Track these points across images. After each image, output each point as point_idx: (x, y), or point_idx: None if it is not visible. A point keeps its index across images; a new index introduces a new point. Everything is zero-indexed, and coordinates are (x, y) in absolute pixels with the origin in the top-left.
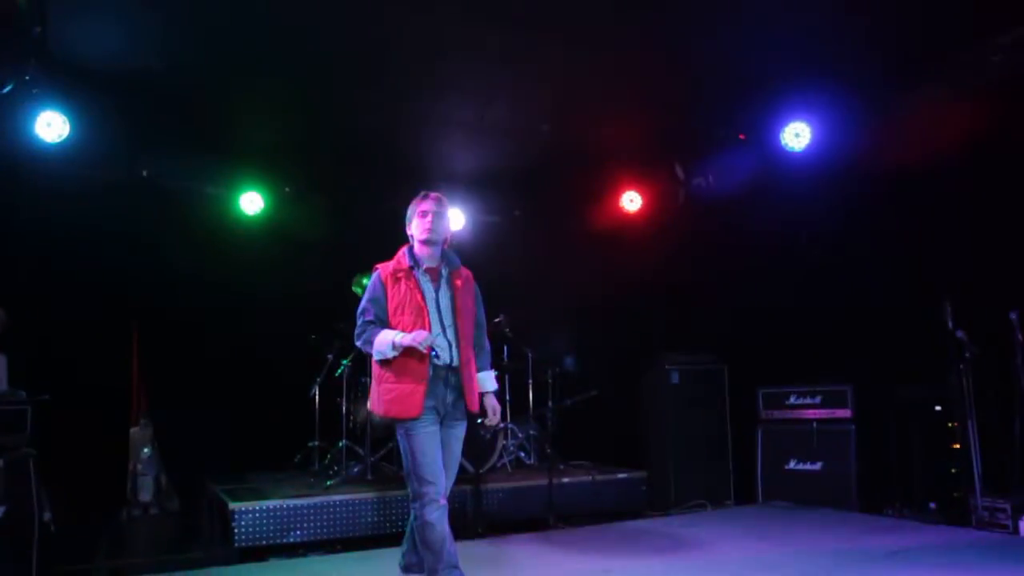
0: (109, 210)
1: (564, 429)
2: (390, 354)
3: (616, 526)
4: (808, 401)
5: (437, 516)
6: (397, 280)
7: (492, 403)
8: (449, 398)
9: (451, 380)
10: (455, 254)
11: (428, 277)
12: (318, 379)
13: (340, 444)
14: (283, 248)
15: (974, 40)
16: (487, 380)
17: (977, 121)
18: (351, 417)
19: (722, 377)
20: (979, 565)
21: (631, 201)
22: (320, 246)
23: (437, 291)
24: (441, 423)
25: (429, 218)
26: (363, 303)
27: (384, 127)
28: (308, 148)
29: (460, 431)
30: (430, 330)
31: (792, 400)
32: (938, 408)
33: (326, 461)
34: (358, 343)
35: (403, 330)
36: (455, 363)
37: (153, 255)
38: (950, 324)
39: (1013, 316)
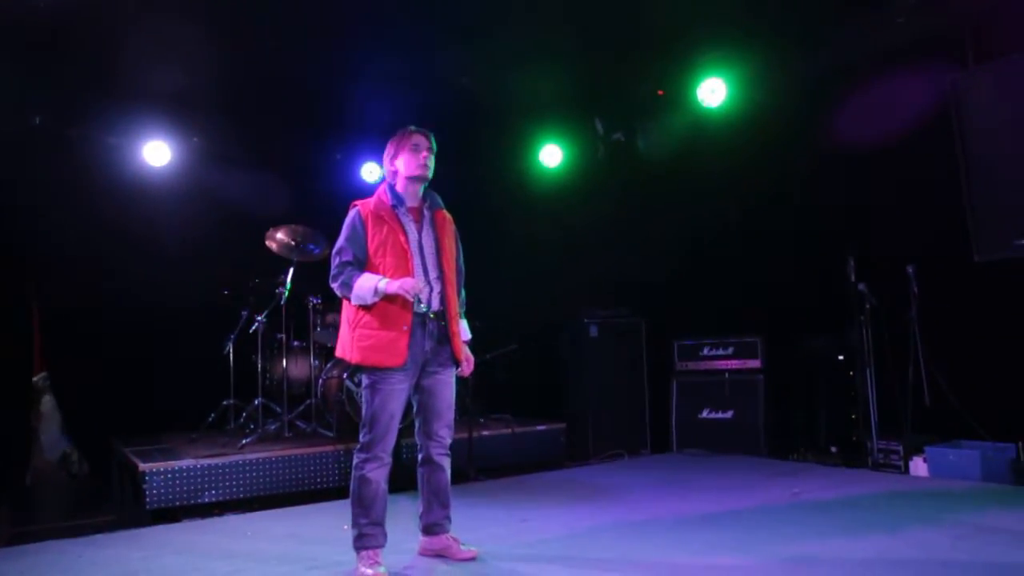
0: None
1: (484, 383)
2: (371, 300)
3: (535, 476)
4: (720, 352)
5: (377, 473)
6: (379, 219)
7: (466, 353)
8: (428, 345)
9: (432, 327)
10: (436, 193)
11: (411, 217)
12: (232, 337)
13: (256, 402)
14: (193, 202)
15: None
16: (463, 328)
17: (880, 82)
18: (266, 375)
19: (639, 331)
20: (871, 502)
21: (551, 156)
22: (233, 199)
23: (420, 232)
24: (422, 370)
25: (424, 153)
26: (340, 242)
27: (302, 76)
28: (220, 96)
29: (447, 376)
30: (413, 274)
31: (705, 352)
32: (841, 358)
33: (241, 420)
34: (333, 285)
35: (384, 274)
36: (438, 308)
37: (52, 206)
38: (852, 277)
39: (910, 270)
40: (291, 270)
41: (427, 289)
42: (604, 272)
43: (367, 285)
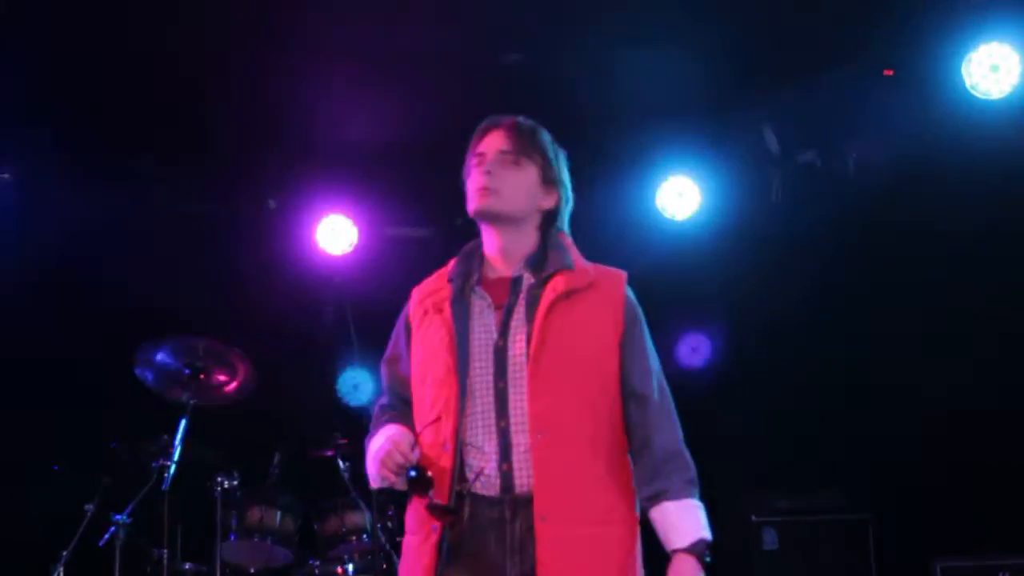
0: None
1: None
2: (378, 481)
3: None
4: None
5: None
6: (426, 314)
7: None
8: (511, 567)
9: (510, 529)
10: (566, 243)
11: (488, 300)
12: (62, 557)
13: None
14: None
15: None
16: (678, 522)
17: None
18: None
19: (863, 537)
20: None
21: (679, 197)
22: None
23: (505, 325)
24: None
25: (488, 162)
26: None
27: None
28: None
29: None
30: (454, 415)
31: None
32: None
33: None
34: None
35: (420, 417)
36: (516, 489)
37: None
38: None
39: None
40: (182, 423)
41: (483, 444)
42: (783, 419)
43: (369, 451)
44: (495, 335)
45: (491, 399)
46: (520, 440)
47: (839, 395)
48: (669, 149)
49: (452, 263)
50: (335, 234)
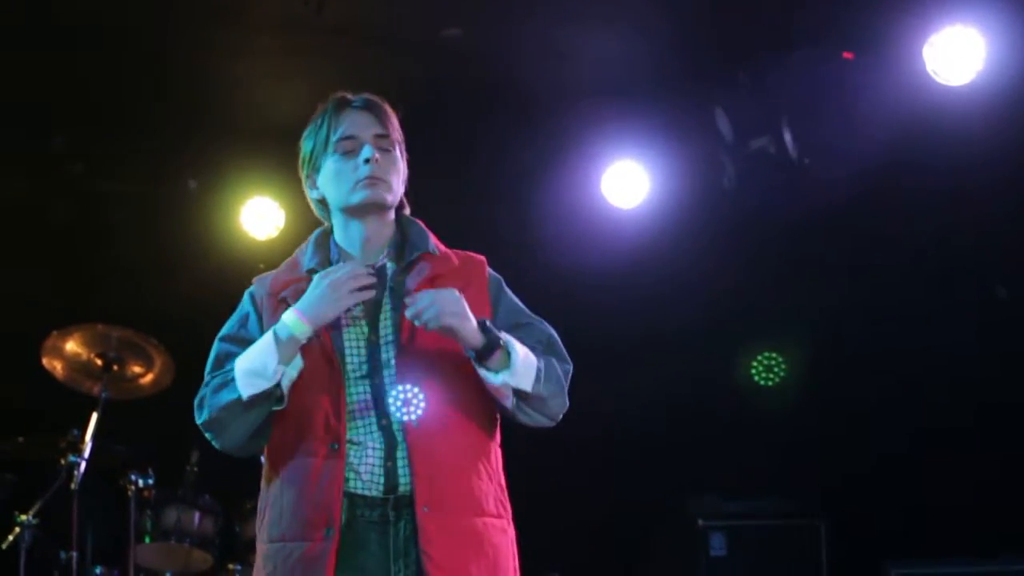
0: None
1: None
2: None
3: None
4: None
5: None
6: (282, 303)
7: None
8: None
9: (395, 532)
10: (423, 228)
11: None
12: None
13: None
14: None
15: None
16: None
17: None
18: None
19: (815, 541)
20: None
21: (625, 185)
22: None
23: (374, 317)
24: None
25: (368, 150)
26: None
27: None
28: None
29: None
30: (343, 421)
31: None
32: None
33: None
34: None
35: (282, 435)
36: (402, 489)
37: None
38: None
39: None
40: (93, 419)
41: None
42: (733, 417)
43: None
44: (366, 330)
45: (369, 396)
46: (401, 436)
47: (789, 394)
48: (615, 132)
49: (299, 253)
50: (260, 217)
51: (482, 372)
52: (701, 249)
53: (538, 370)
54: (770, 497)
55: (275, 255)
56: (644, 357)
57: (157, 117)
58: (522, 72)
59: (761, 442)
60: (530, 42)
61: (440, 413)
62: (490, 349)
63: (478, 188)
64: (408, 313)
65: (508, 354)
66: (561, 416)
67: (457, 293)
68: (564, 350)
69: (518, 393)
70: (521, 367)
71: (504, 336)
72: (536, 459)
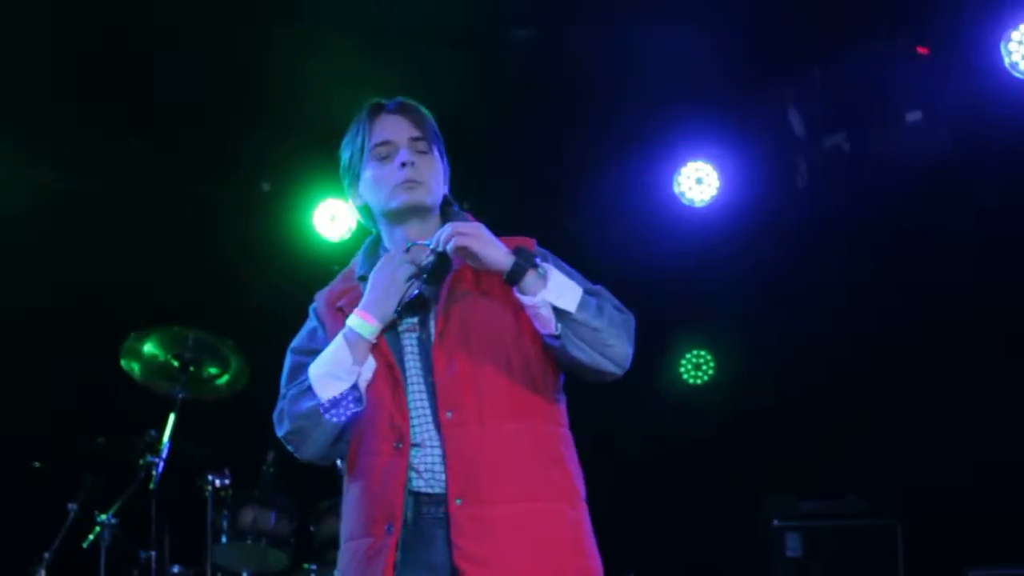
0: None
1: None
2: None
3: None
4: None
5: None
6: (340, 312)
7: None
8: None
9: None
10: (468, 218)
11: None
12: (45, 559)
13: None
14: None
15: None
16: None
17: None
18: None
19: (891, 542)
20: None
21: (694, 182)
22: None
23: (425, 316)
24: None
25: (404, 155)
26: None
27: None
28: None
29: None
30: (407, 419)
31: None
32: None
33: None
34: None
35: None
36: (437, 488)
37: None
38: None
39: None
40: (171, 419)
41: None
42: (807, 418)
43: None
44: (418, 329)
45: (426, 395)
46: (432, 433)
47: (867, 394)
48: (688, 132)
49: (353, 262)
50: (333, 219)
51: (519, 297)
52: (774, 247)
53: (584, 298)
54: (846, 496)
55: (348, 256)
56: (718, 354)
57: (230, 119)
58: (594, 72)
59: (838, 438)
60: (601, 42)
61: (478, 402)
62: (521, 270)
63: (551, 187)
64: (430, 245)
65: (545, 277)
66: (628, 364)
67: (478, 224)
68: (622, 305)
69: (562, 317)
70: (560, 286)
71: (544, 264)
72: (612, 456)
